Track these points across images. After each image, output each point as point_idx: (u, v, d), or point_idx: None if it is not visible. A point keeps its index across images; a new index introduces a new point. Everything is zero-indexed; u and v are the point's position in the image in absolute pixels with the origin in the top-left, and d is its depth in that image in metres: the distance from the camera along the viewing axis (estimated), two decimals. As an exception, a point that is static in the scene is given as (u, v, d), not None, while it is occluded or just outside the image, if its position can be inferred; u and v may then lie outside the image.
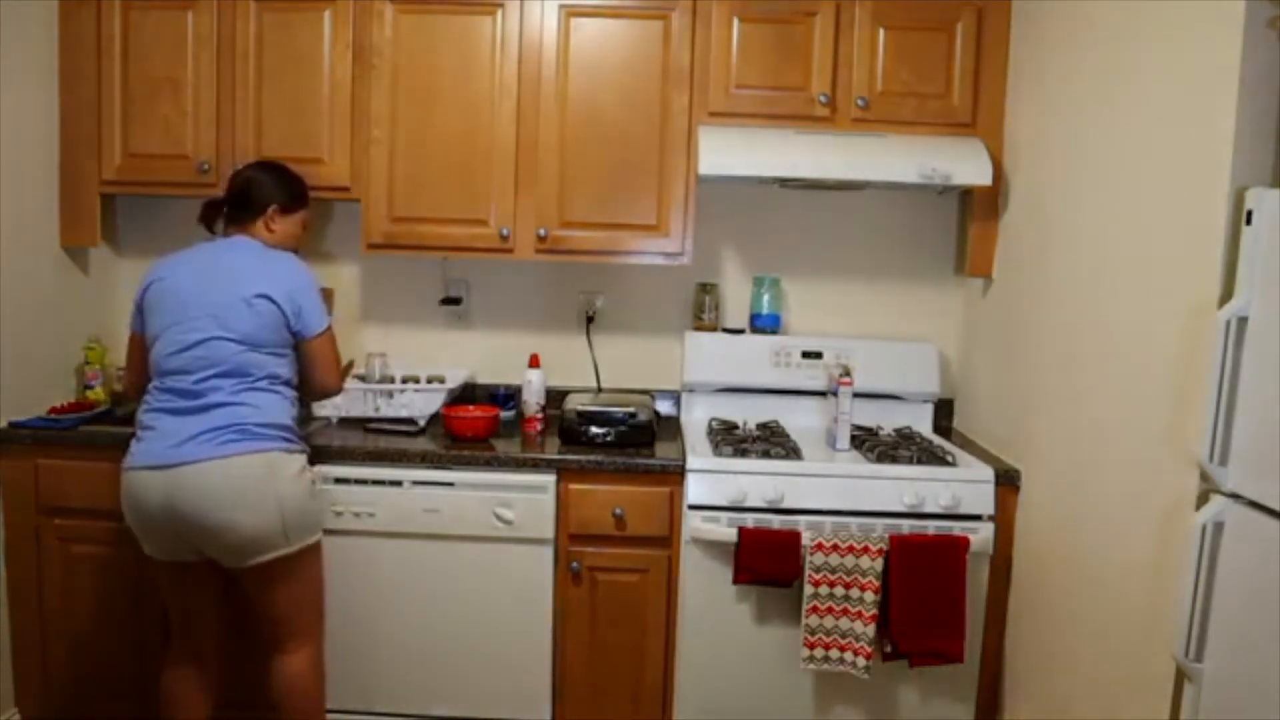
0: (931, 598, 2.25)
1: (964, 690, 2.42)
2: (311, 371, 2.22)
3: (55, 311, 2.71)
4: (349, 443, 2.47)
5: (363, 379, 2.75)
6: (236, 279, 2.13)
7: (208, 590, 2.21)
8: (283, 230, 2.30)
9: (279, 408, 2.14)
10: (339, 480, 2.41)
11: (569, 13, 2.61)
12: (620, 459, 2.42)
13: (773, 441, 2.54)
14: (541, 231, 2.65)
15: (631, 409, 2.58)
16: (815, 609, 2.27)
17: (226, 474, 2.02)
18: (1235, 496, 1.56)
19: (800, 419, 2.83)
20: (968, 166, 2.51)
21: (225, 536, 2.03)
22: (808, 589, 2.27)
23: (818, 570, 2.26)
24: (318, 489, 2.24)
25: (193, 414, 2.06)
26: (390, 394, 2.66)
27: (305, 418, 2.70)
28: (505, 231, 2.65)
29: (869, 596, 2.25)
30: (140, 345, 2.21)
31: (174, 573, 2.17)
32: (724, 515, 2.34)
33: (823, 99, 2.61)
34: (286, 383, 2.19)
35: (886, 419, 2.83)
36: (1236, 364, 1.56)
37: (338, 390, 2.32)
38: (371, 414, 2.65)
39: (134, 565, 2.46)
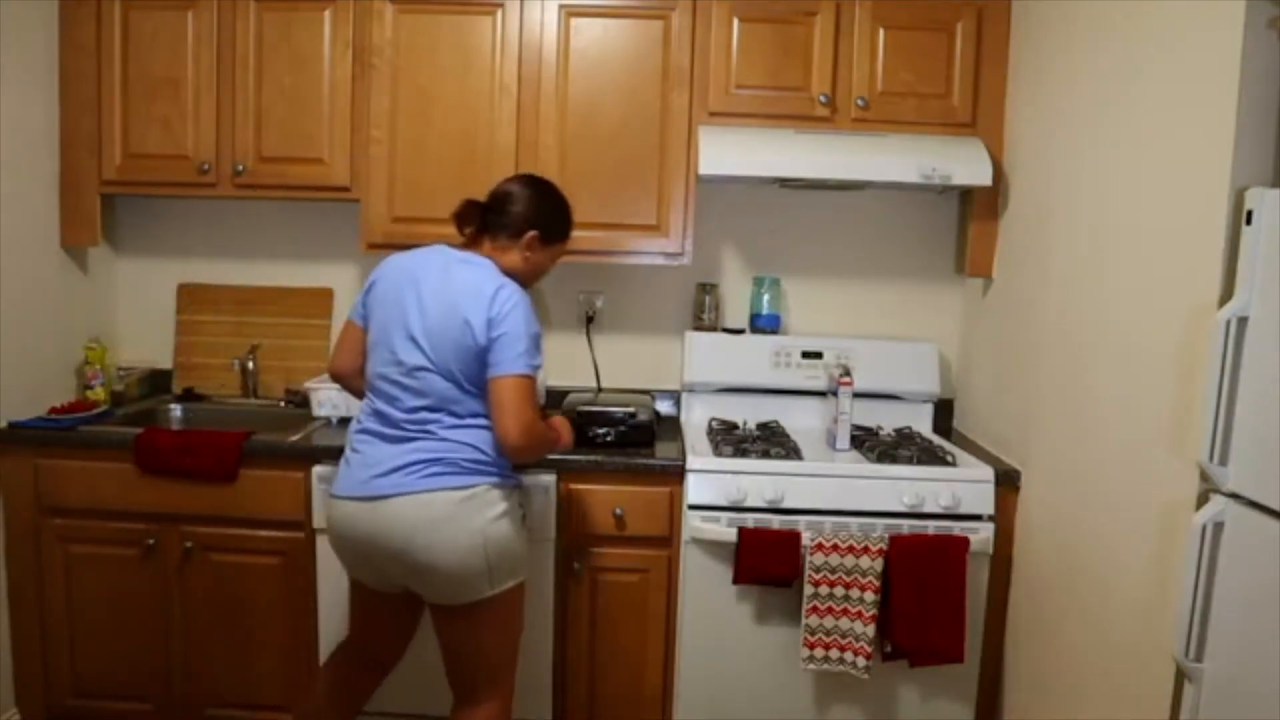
0: (931, 598, 2.25)
1: (964, 690, 2.42)
2: (491, 413, 1.94)
3: (55, 311, 2.71)
4: (349, 443, 2.47)
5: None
6: (459, 305, 1.93)
7: (398, 625, 2.13)
8: (536, 260, 2.07)
9: (490, 443, 1.97)
10: (339, 480, 2.40)
11: (569, 13, 2.61)
12: (620, 459, 2.42)
13: (773, 441, 2.54)
14: (541, 231, 2.65)
15: (631, 409, 2.58)
16: (815, 609, 2.27)
17: (422, 509, 1.90)
18: (1235, 496, 1.56)
19: (800, 419, 2.83)
20: (968, 166, 2.51)
21: (425, 574, 1.92)
22: (808, 589, 2.27)
23: (818, 570, 2.26)
24: (523, 527, 2.07)
25: (398, 443, 1.95)
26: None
27: (306, 416, 2.70)
28: (505, 231, 2.65)
29: (869, 596, 2.25)
30: (357, 334, 2.09)
31: (371, 600, 2.09)
32: (724, 515, 2.34)
33: (823, 99, 2.61)
34: None
35: (886, 419, 2.83)
36: (1236, 364, 1.55)
37: (515, 444, 1.91)
38: (372, 414, 2.63)
39: (134, 565, 2.47)
